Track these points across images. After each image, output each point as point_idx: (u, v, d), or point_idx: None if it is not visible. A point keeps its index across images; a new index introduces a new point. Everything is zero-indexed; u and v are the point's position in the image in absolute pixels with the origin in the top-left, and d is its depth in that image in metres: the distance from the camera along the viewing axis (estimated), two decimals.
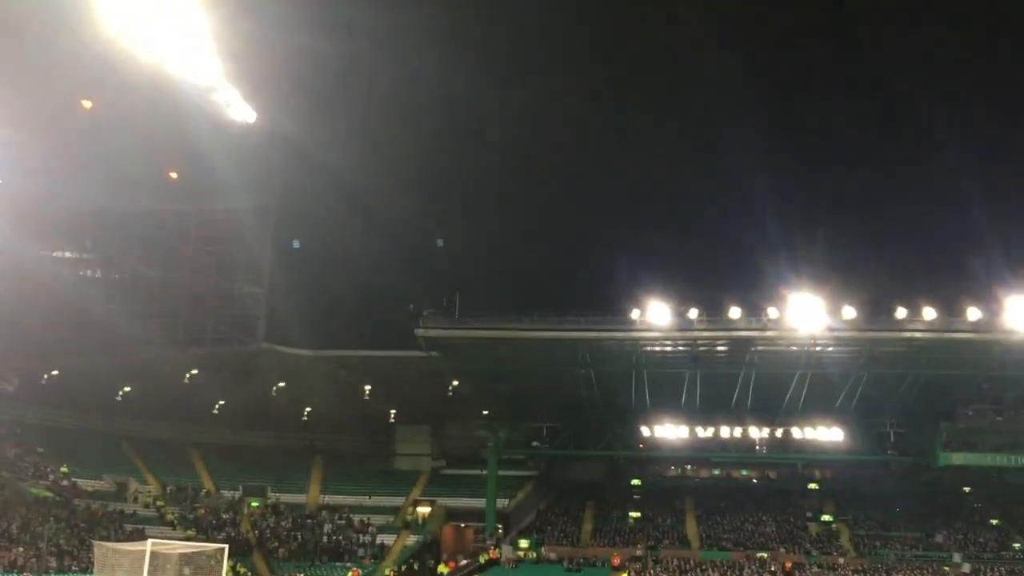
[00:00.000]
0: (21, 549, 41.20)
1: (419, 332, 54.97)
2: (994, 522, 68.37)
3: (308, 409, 75.71)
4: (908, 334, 53.08)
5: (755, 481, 78.73)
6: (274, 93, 50.02)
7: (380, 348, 65.26)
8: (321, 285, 72.67)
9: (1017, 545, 64.27)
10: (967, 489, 73.23)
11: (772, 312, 53.20)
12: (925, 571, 59.67)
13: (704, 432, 65.02)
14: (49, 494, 55.08)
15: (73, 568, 42.26)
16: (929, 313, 52.42)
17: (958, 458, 63.10)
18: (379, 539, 66.50)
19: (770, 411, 63.55)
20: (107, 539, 44.56)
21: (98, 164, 61.40)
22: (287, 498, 73.01)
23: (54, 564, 41.12)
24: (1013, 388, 60.21)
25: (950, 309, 52.79)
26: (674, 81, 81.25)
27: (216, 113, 41.93)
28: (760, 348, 55.72)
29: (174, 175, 66.61)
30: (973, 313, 51.95)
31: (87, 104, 52.76)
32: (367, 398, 70.94)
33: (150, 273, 71.31)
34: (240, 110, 40.90)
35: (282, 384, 69.26)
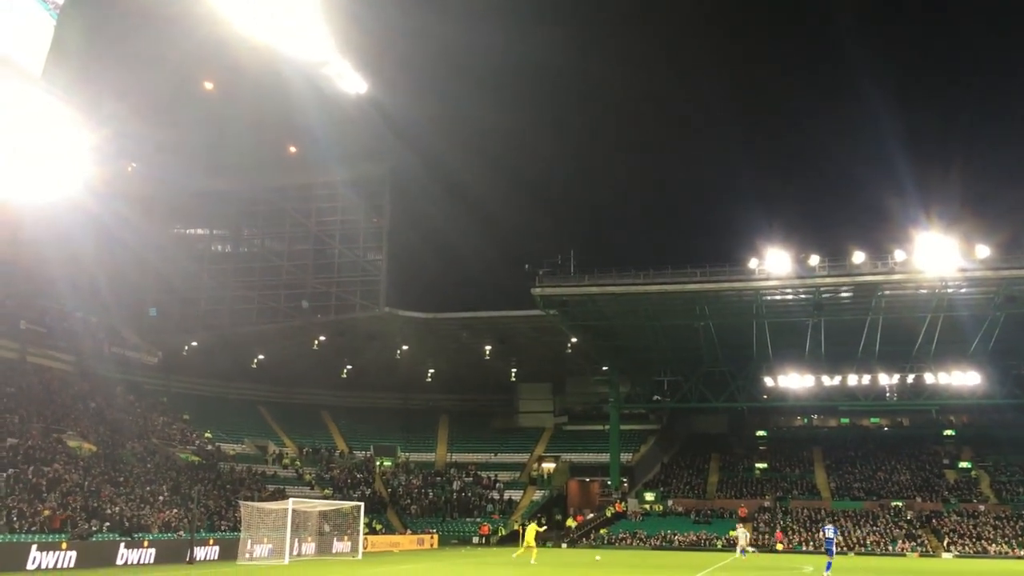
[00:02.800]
0: (174, 511, 43.92)
1: (536, 291, 55.43)
2: None
3: (432, 371, 77.54)
4: None
5: (886, 429, 76.57)
6: (380, 63, 50.77)
7: (499, 308, 66.10)
8: (438, 250, 74.13)
9: None
10: None
11: (899, 254, 51.17)
12: None
13: (830, 380, 63.40)
14: (196, 458, 58.36)
15: (222, 527, 44.81)
16: None
17: None
18: (506, 495, 68.04)
19: (900, 357, 61.42)
20: (251, 499, 47.02)
21: (220, 145, 64.20)
22: (416, 457, 75.45)
23: (204, 524, 43.69)
24: None
25: None
26: (793, 17, 78.54)
27: (328, 86, 42.91)
28: (887, 292, 53.77)
29: (293, 149, 68.81)
30: None
31: (209, 86, 54.98)
32: (488, 358, 72.05)
33: (277, 246, 74.24)
34: (351, 81, 41.67)
35: (405, 347, 71.10)
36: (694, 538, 57.98)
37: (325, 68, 39.80)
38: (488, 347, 70.61)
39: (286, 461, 68.29)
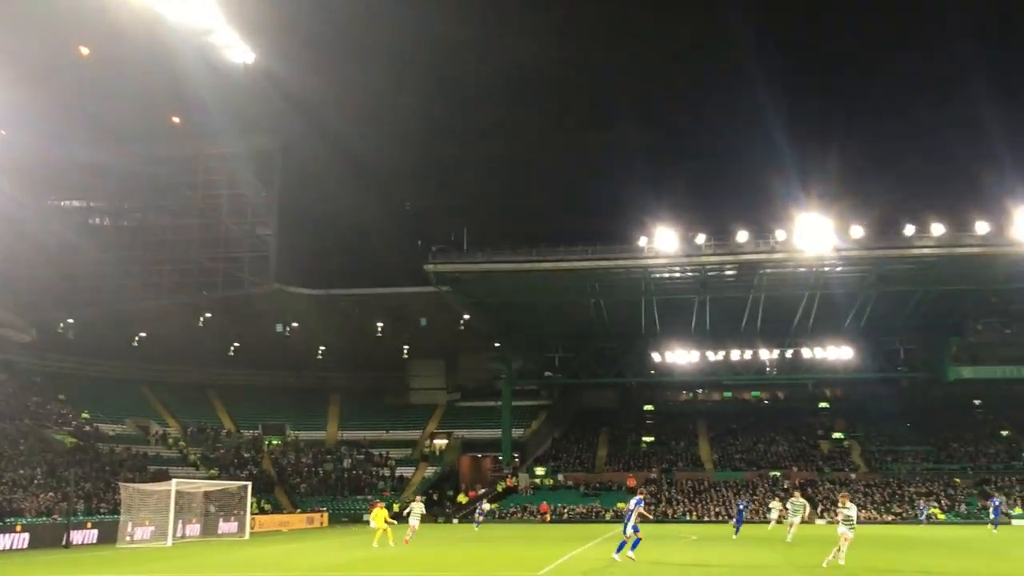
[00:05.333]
0: (50, 494, 42.21)
1: (429, 268, 55.33)
2: (1004, 433, 69.15)
3: (322, 348, 76.48)
4: (916, 251, 53.01)
5: (766, 402, 79.66)
6: (272, 34, 49.40)
7: (392, 285, 65.69)
8: (330, 225, 72.90)
9: None
10: (977, 402, 73.93)
11: (780, 234, 53.18)
12: (935, 484, 60.71)
13: (714, 356, 65.62)
14: (73, 440, 56.14)
15: (101, 509, 43.34)
16: (937, 229, 52.23)
17: (967, 372, 63.76)
18: (398, 472, 67.92)
19: (779, 333, 64.01)
20: (132, 481, 45.50)
21: (99, 114, 61.36)
22: (306, 435, 74.40)
23: (81, 507, 42.13)
24: (1021, 300, 60.34)
25: (958, 224, 52.58)
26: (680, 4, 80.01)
27: (214, 55, 41.53)
28: (768, 271, 55.88)
29: (176, 120, 66.40)
30: (981, 227, 51.72)
31: (85, 51, 52.41)
32: (380, 335, 71.56)
33: (159, 220, 71.70)
34: (239, 51, 40.42)
35: (295, 324, 69.89)
36: (583, 510, 59.21)
37: (211, 36, 38.52)
38: (381, 324, 70.15)
39: (170, 441, 66.38)
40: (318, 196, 72.84)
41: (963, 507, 56.98)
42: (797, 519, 33.88)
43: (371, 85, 63.78)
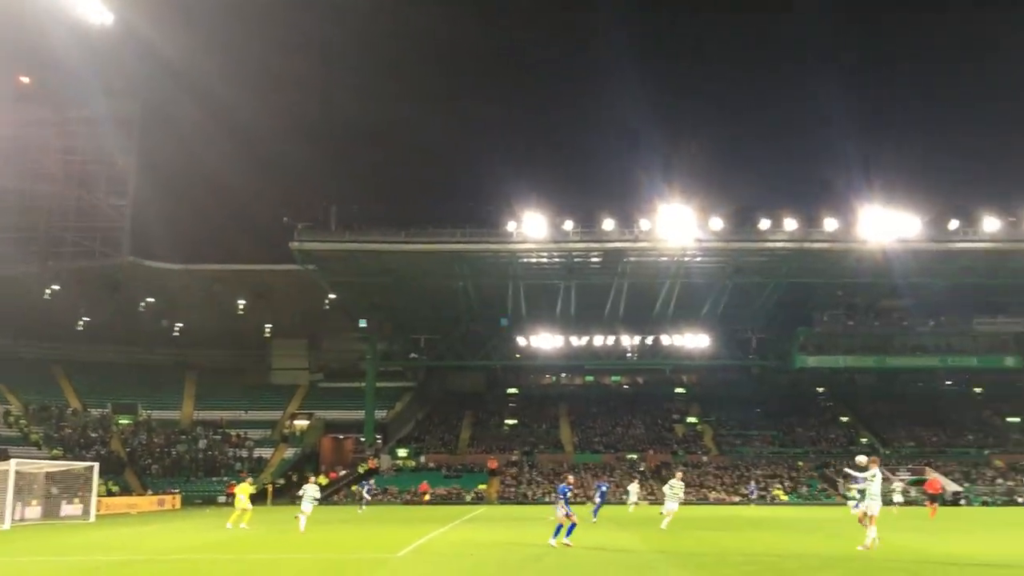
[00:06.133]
0: None
1: (294, 245, 54.16)
2: (844, 419, 73.50)
3: (179, 324, 73.69)
4: (770, 245, 55.67)
5: (626, 387, 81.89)
6: None
7: (254, 262, 63.87)
8: (192, 199, 70.22)
9: (864, 440, 69.41)
10: (820, 390, 78.26)
11: (644, 224, 54.70)
12: (780, 466, 63.92)
13: (578, 341, 66.97)
14: None
15: None
16: (790, 224, 55.08)
17: (813, 361, 67.45)
18: (256, 453, 66.33)
19: (641, 320, 65.86)
20: None
21: None
22: (159, 415, 71.60)
23: None
24: (864, 294, 64.29)
25: (809, 220, 55.59)
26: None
27: (70, 15, 39.20)
28: (632, 259, 57.37)
29: (25, 80, 62.31)
30: (830, 224, 54.87)
31: None
32: (241, 313, 69.52)
33: (5, 184, 67.01)
34: (95, 11, 38.28)
35: (151, 299, 67.00)
36: (444, 492, 59.36)
37: None
38: (242, 301, 68.14)
39: (10, 420, 62.63)
40: (180, 167, 69.99)
41: (804, 488, 60.21)
42: (675, 505, 30.25)
43: (242, 56, 61.72)
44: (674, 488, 30.74)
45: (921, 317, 66.02)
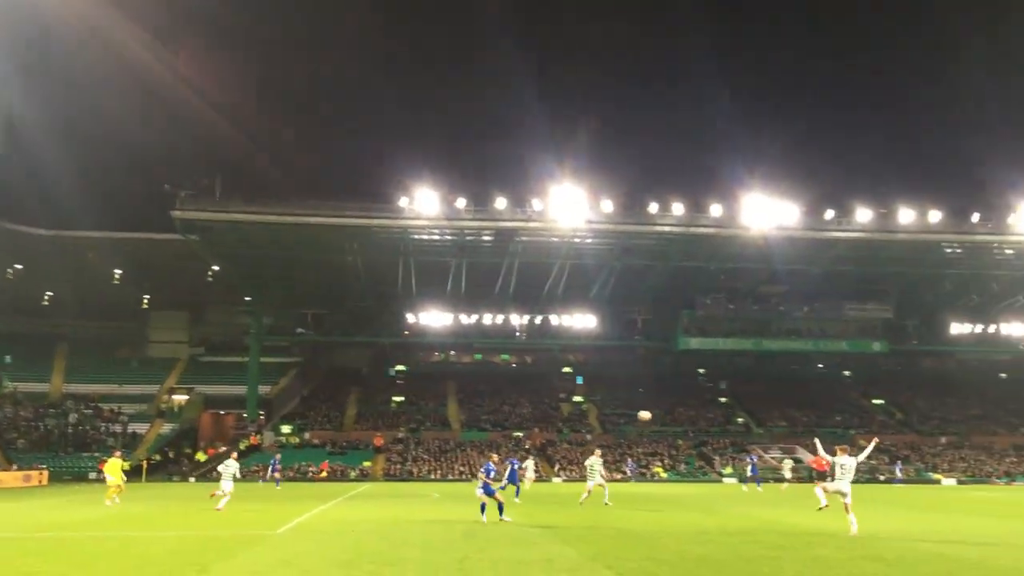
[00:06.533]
0: None
1: (176, 214, 52.32)
2: (723, 400, 75.93)
3: (50, 293, 70.20)
4: (659, 228, 56.95)
5: (514, 365, 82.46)
6: None
7: (132, 230, 61.30)
8: (66, 161, 66.64)
9: (740, 419, 71.89)
10: (701, 371, 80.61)
11: (537, 204, 55.12)
12: (661, 445, 65.58)
13: (468, 319, 67.08)
14: None
15: None
16: (678, 209, 56.50)
17: (695, 343, 69.44)
18: (131, 428, 63.94)
19: (531, 299, 66.38)
20: None
21: None
22: (26, 387, 68.15)
23: None
24: (745, 280, 66.51)
25: (696, 206, 57.23)
26: None
27: None
28: (524, 239, 57.71)
29: None
30: (716, 210, 56.59)
31: None
32: (117, 282, 66.73)
33: None
34: None
35: (18, 266, 63.56)
36: (329, 469, 58.60)
37: None
38: (119, 271, 65.40)
39: None
40: (53, 127, 66.29)
41: (683, 466, 61.99)
42: (592, 483, 29.23)
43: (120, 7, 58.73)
44: (593, 466, 30.06)
45: (797, 303, 68.77)
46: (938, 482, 59.10)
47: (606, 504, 28.22)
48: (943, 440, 69.16)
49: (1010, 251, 61.79)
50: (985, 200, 60.84)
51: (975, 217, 59.28)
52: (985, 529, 21.26)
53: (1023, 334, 72.26)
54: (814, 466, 38.92)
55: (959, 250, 61.80)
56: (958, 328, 71.40)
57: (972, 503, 33.67)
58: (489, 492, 21.59)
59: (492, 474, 22.13)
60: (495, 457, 24.96)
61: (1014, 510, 29.70)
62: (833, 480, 19.11)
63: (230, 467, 26.89)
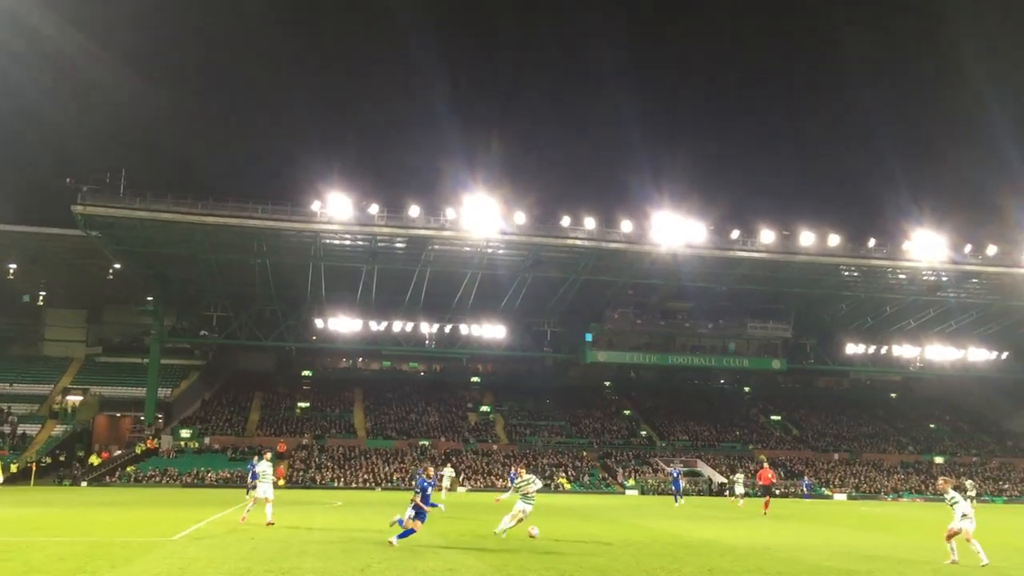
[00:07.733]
0: None
1: (77, 209, 50.52)
2: (627, 412, 77.14)
3: None
4: (570, 241, 57.69)
5: (422, 374, 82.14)
6: None
7: (28, 223, 58.92)
8: None
9: (644, 432, 73.14)
10: (607, 384, 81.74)
11: (450, 213, 55.24)
12: (566, 456, 66.22)
13: (377, 326, 66.55)
14: None
15: None
16: (590, 223, 57.53)
17: (603, 356, 70.38)
18: (21, 429, 61.39)
19: (441, 308, 66.28)
20: None
21: None
22: None
23: None
24: (652, 295, 67.85)
25: (608, 221, 58.37)
26: None
27: None
28: (437, 247, 57.70)
29: None
30: (626, 226, 57.79)
31: None
32: (11, 277, 64.03)
33: None
34: None
35: None
36: (228, 475, 57.30)
37: None
38: (12, 266, 62.78)
39: None
40: None
41: (587, 478, 62.70)
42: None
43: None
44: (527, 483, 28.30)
45: (702, 319, 70.36)
46: (830, 497, 61.24)
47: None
48: (836, 456, 71.77)
49: (903, 276, 64.67)
50: (882, 227, 63.71)
51: (871, 242, 61.89)
52: (871, 543, 22.17)
53: (913, 356, 75.47)
54: (760, 480, 39.62)
55: (856, 273, 64.42)
56: (853, 349, 74.11)
57: (861, 518, 35.01)
58: (421, 517, 18.42)
59: (428, 490, 18.90)
60: (430, 470, 21.43)
61: (900, 526, 31.00)
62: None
63: (267, 469, 23.83)
